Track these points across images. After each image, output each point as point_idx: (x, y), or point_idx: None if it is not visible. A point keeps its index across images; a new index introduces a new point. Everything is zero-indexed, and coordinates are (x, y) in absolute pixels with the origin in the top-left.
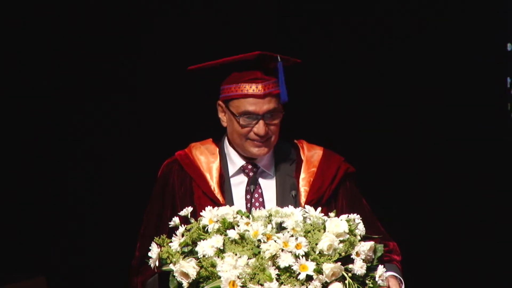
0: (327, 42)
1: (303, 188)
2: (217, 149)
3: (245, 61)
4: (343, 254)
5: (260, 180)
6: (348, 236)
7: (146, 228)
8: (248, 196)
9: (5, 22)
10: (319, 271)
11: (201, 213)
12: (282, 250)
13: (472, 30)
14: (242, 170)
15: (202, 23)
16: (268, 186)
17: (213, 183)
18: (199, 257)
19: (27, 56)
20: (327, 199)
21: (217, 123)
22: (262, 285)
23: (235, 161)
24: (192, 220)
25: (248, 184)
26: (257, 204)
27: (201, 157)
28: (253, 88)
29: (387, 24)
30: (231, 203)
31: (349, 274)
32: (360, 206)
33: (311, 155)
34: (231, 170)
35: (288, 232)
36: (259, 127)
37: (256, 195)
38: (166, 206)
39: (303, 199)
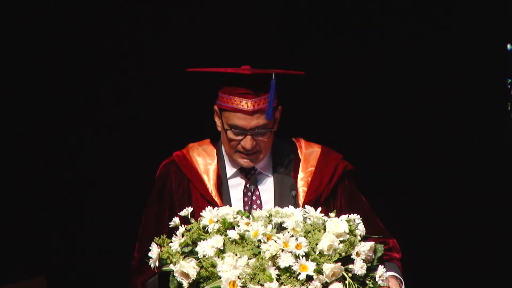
0: (326, 41)
1: (301, 188)
2: (215, 150)
3: (239, 74)
4: (343, 254)
5: (258, 182)
6: (348, 236)
7: (145, 229)
8: (246, 198)
9: (4, 22)
10: (319, 271)
11: (201, 214)
12: (282, 250)
13: (472, 30)
14: (239, 171)
15: (203, 25)
16: (266, 187)
17: (211, 186)
18: (199, 257)
19: (25, 56)
20: (325, 198)
21: (214, 125)
22: (262, 285)
23: (233, 163)
24: (192, 220)
25: (248, 184)
26: (254, 206)
27: (199, 159)
28: (243, 103)
29: (386, 24)
30: (228, 205)
31: (349, 274)
32: (359, 203)
33: (309, 153)
34: (229, 172)
35: (288, 232)
36: (246, 142)
37: (254, 197)
38: (165, 207)
39: (301, 199)
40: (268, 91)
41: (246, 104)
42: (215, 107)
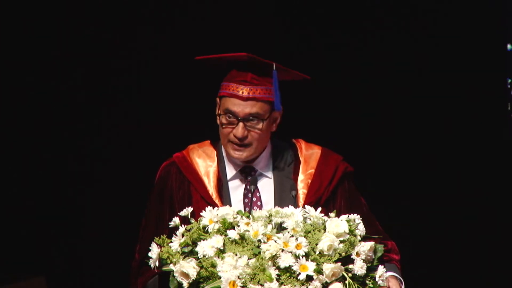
0: (325, 41)
1: (301, 190)
2: (215, 152)
3: (240, 62)
4: (343, 254)
5: (258, 183)
6: (348, 236)
7: (145, 231)
8: (246, 200)
9: (3, 22)
10: (319, 271)
11: (201, 214)
12: (282, 250)
13: (472, 30)
14: (239, 173)
15: (202, 26)
16: (266, 189)
17: (211, 188)
18: (199, 257)
19: (26, 55)
20: (325, 200)
21: (214, 125)
22: (262, 285)
23: (233, 164)
24: (192, 220)
25: (248, 185)
26: (255, 207)
27: (199, 161)
28: (239, 90)
29: (386, 24)
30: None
31: (349, 275)
32: (359, 205)
33: (309, 155)
34: (229, 173)
35: (288, 232)
36: (238, 130)
37: (254, 199)
38: (165, 208)
39: (301, 201)
40: (268, 83)
41: (242, 90)
42: (217, 99)
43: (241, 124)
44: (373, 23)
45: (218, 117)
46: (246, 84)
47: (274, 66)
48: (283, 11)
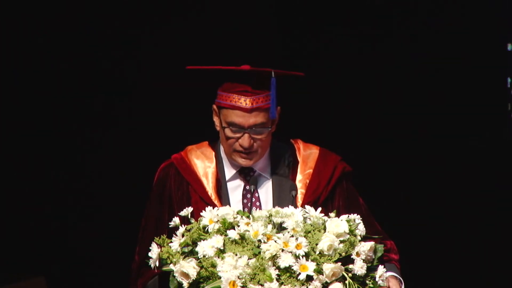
0: (326, 42)
1: (300, 190)
2: (213, 153)
3: (238, 71)
4: (343, 254)
5: (257, 183)
6: (348, 236)
7: (145, 232)
8: (245, 200)
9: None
10: (319, 271)
11: (201, 214)
12: (282, 250)
13: (472, 30)
14: (238, 174)
15: (202, 26)
16: (265, 189)
17: (210, 189)
18: (199, 257)
19: (25, 54)
20: (323, 200)
21: (212, 126)
22: (262, 285)
23: (232, 165)
24: (192, 220)
25: (248, 185)
26: (254, 208)
27: (198, 162)
28: (241, 101)
29: (386, 24)
30: None
31: (349, 274)
32: (357, 205)
33: (307, 155)
34: (228, 174)
35: (288, 232)
36: (244, 140)
37: (253, 199)
38: (164, 209)
39: (299, 201)
40: (267, 89)
41: (244, 101)
42: (214, 106)
43: (246, 134)
44: (372, 23)
45: (222, 130)
46: (248, 95)
47: (273, 73)
48: (281, 10)
